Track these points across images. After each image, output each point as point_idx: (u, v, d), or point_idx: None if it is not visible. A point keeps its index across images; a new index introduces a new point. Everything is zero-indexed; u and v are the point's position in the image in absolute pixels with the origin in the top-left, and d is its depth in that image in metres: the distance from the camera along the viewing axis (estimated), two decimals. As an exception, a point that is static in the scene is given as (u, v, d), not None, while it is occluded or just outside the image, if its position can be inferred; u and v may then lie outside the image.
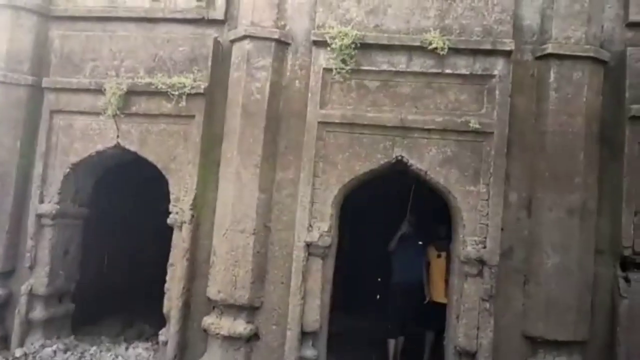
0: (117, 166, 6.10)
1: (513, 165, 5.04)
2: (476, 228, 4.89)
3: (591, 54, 4.93)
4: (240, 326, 5.06)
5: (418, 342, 6.51)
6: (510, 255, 4.93)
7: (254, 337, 5.17)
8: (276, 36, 5.32)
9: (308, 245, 5.03)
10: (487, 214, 4.87)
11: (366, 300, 7.49)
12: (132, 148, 5.50)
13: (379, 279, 6.84)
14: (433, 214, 6.09)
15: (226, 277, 5.10)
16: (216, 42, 5.56)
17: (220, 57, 5.57)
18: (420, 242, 6.54)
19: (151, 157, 5.48)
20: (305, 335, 5.03)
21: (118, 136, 5.51)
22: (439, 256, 6.39)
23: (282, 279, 5.19)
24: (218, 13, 5.66)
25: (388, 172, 5.37)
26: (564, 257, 4.71)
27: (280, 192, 5.27)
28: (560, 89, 4.94)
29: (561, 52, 4.93)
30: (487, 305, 4.73)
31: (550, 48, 4.96)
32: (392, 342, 6.32)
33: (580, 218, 4.78)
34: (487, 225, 4.86)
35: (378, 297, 6.55)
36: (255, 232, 5.12)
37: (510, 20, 5.05)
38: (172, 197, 5.40)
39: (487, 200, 4.89)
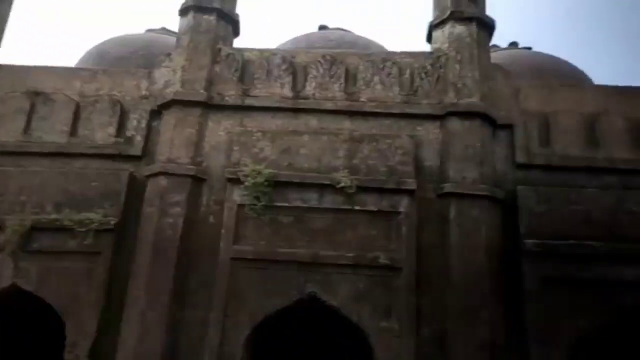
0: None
1: (424, 301, 5.12)
2: (390, 367, 4.78)
3: (486, 193, 5.34)
4: None
5: None
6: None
7: None
8: (192, 173, 5.43)
9: (216, 393, 4.69)
10: (400, 352, 4.80)
11: None
12: (29, 288, 5.13)
13: None
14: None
15: None
16: (132, 177, 5.58)
17: (135, 192, 5.55)
18: None
19: (50, 298, 5.12)
20: None
21: (15, 275, 5.15)
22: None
23: None
24: (135, 149, 5.76)
25: (303, 308, 5.28)
26: (478, 396, 4.64)
27: (188, 334, 5.00)
28: (461, 225, 5.25)
29: (459, 191, 5.33)
30: None
31: (448, 187, 5.36)
32: None
33: (490, 352, 4.81)
34: (400, 364, 4.76)
35: None
36: (157, 381, 4.74)
37: (412, 161, 5.46)
38: (68, 341, 4.97)
39: (399, 337, 4.86)
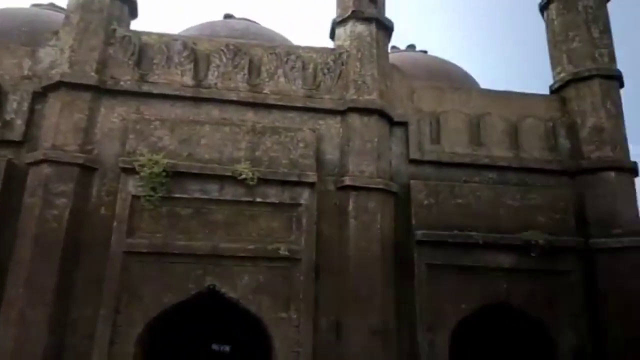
0: None
1: (322, 290, 5.27)
2: (288, 357, 4.86)
3: (381, 186, 5.61)
4: None
5: None
6: (321, 382, 4.95)
7: None
8: (81, 161, 5.07)
9: (105, 393, 4.45)
10: (298, 340, 4.90)
11: None
12: None
13: None
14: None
15: None
16: (10, 165, 5.08)
17: (15, 182, 5.06)
18: None
19: None
20: None
21: None
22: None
23: None
24: (15, 134, 5.26)
25: (201, 302, 5.18)
26: (369, 379, 4.88)
27: (76, 334, 4.69)
28: (359, 217, 5.46)
29: (357, 184, 5.53)
30: None
31: (347, 180, 5.54)
32: None
33: (383, 339, 5.07)
34: (298, 353, 4.87)
35: None
36: (38, 384, 4.39)
37: (313, 154, 5.57)
38: None
39: (297, 326, 4.96)
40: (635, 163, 6.16)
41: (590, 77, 6.46)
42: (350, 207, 5.50)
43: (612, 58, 6.61)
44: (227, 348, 6.05)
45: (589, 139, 6.24)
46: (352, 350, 4.98)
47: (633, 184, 6.09)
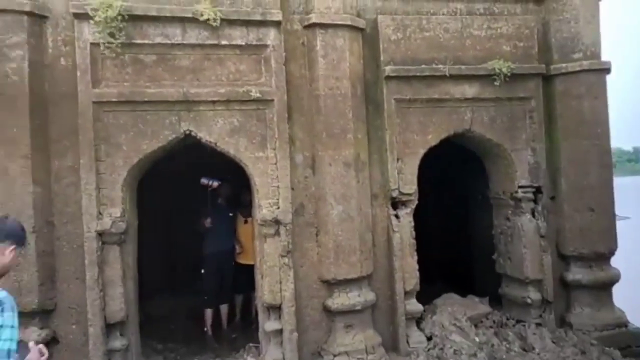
0: None
1: (296, 129, 5.44)
2: (269, 191, 5.18)
3: (349, 22, 5.49)
4: (34, 333, 4.58)
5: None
6: (302, 212, 5.38)
7: (52, 341, 4.75)
8: (27, 8, 4.72)
9: (100, 234, 4.75)
10: (277, 177, 5.19)
11: (190, 276, 7.44)
12: None
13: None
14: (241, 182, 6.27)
15: (6, 285, 4.51)
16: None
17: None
18: (231, 214, 6.73)
19: None
20: (111, 327, 4.81)
21: None
22: (245, 222, 6.67)
23: (76, 275, 4.83)
24: (-51, -17, 4.76)
25: (179, 147, 5.32)
26: (345, 205, 5.31)
27: (60, 183, 4.83)
28: (327, 55, 5.42)
29: (323, 21, 5.40)
30: (286, 260, 5.11)
31: (314, 18, 5.39)
32: (208, 312, 6.46)
33: (356, 169, 5.41)
34: (278, 187, 5.18)
35: (203, 271, 6.54)
36: (35, 230, 4.63)
37: (277, -9, 5.31)
38: None
39: (275, 164, 5.20)
40: (601, -16, 6.13)
41: None
42: (318, 45, 5.42)
43: None
44: (215, 183, 6.35)
45: (558, -38, 6.08)
46: (328, 181, 5.33)
47: (597, 5, 6.12)
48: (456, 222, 8.02)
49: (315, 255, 5.36)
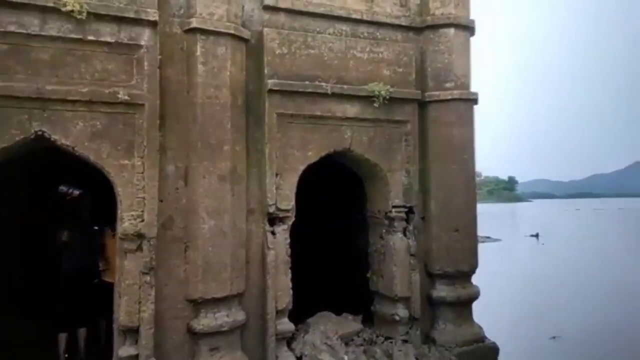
0: None
1: (168, 137, 5.12)
2: (133, 202, 4.78)
3: (232, 31, 5.32)
4: None
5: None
6: (171, 226, 5.04)
7: None
8: None
9: None
10: (144, 187, 4.81)
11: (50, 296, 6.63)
12: None
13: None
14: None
15: None
16: None
17: None
18: (96, 227, 6.14)
19: None
20: None
21: None
22: (114, 236, 6.11)
23: None
24: None
25: (29, 149, 4.74)
26: (218, 220, 5.08)
27: None
28: (207, 62, 5.20)
29: (205, 27, 5.18)
30: (148, 278, 4.73)
31: (194, 22, 5.15)
32: (62, 337, 5.80)
33: (231, 183, 5.21)
34: (144, 198, 4.81)
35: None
36: None
37: (155, -9, 5.00)
38: None
39: (142, 173, 4.83)
40: (473, 21, 6.62)
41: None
42: (198, 51, 5.19)
43: None
44: (76, 192, 5.73)
45: (436, -4, 6.48)
46: (201, 194, 5.06)
47: (468, 40, 6.60)
48: (345, 241, 8.11)
49: (182, 273, 5.03)
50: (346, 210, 7.95)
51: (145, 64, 4.90)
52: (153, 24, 4.93)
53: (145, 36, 4.91)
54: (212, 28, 5.23)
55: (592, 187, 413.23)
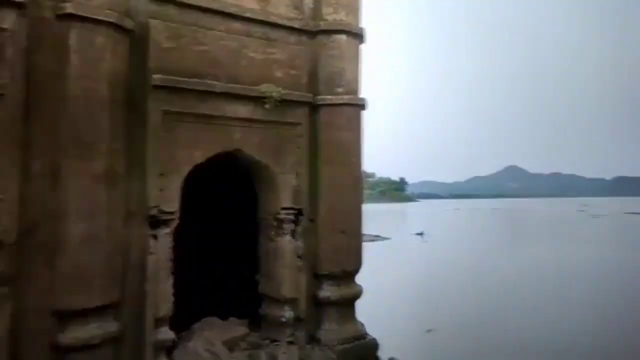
0: None
1: (35, 132, 4.63)
2: (-10, 204, 4.24)
3: (113, 20, 4.94)
4: None
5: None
6: (35, 231, 4.55)
7: None
8: None
9: None
10: (5, 186, 4.29)
11: None
12: None
13: None
14: None
15: None
16: None
17: None
18: None
19: None
20: None
21: None
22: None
23: None
24: None
25: None
26: (91, 224, 4.69)
27: None
28: (83, 52, 4.78)
29: (81, 13, 4.75)
30: (4, 290, 4.22)
31: (69, 8, 4.71)
32: None
33: (108, 184, 4.85)
34: (1, 200, 4.28)
35: None
36: None
37: (19, -33, 4.47)
38: None
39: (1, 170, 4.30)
40: (363, 29, 6.83)
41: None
42: (73, 40, 4.75)
43: None
44: None
45: (328, 2, 6.58)
46: (71, 196, 4.65)
47: (358, 48, 6.79)
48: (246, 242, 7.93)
49: (48, 282, 4.58)
50: (251, 211, 7.82)
51: (9, 49, 4.38)
52: (18, 5, 4.42)
53: (9, 19, 4.38)
54: (89, 15, 4.81)
55: (472, 189, 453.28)
